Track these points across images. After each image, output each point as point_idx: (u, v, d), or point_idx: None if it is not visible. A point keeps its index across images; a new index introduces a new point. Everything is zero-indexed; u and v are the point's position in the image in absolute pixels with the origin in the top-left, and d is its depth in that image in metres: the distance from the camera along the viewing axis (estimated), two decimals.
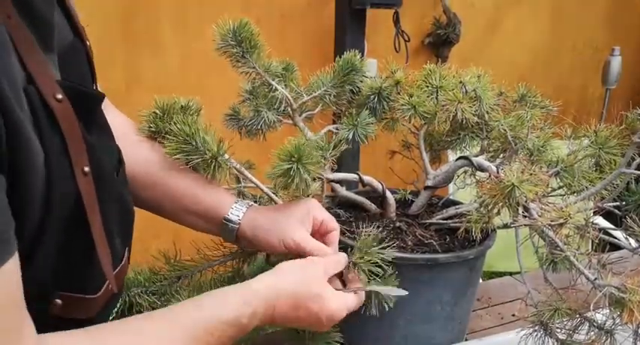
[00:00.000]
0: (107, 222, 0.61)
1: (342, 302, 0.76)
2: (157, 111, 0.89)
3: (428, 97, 0.93)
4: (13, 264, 0.48)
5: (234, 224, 0.83)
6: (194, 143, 0.83)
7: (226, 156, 0.85)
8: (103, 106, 0.69)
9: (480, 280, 1.12)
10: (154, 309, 0.90)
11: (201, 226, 0.87)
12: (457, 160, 0.97)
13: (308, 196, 0.88)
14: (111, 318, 0.72)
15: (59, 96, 0.54)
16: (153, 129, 0.88)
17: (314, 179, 0.87)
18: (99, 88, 0.74)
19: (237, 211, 0.83)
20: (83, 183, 0.56)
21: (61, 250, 0.56)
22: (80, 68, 0.68)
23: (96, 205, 0.59)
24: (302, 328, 0.81)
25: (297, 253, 0.80)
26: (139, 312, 0.89)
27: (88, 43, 0.70)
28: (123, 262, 0.71)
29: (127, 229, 0.72)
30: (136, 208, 0.77)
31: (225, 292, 0.70)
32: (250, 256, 0.94)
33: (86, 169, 0.57)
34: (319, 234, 0.84)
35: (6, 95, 0.47)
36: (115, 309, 0.74)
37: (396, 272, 0.85)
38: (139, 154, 0.85)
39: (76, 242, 0.58)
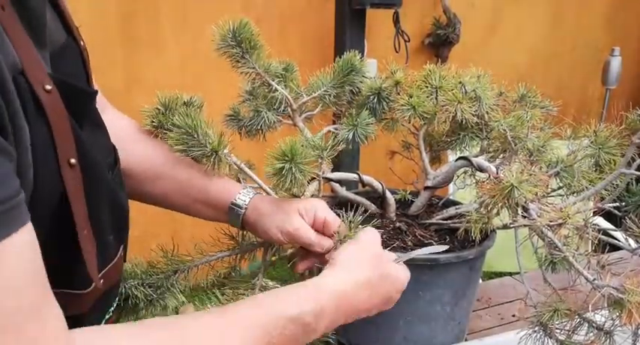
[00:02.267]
0: (97, 217, 0.61)
1: (403, 270, 0.76)
2: (160, 107, 0.90)
3: (428, 97, 0.93)
4: (27, 235, 0.45)
5: (240, 208, 0.84)
6: (196, 136, 0.84)
7: (227, 150, 0.86)
8: (102, 109, 0.69)
9: (480, 280, 1.12)
10: (150, 301, 0.91)
11: (208, 215, 0.88)
12: (457, 160, 0.97)
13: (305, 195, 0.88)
14: (109, 312, 0.72)
15: (48, 87, 0.53)
16: (155, 124, 0.89)
17: (311, 179, 0.88)
18: (95, 88, 0.73)
19: (244, 197, 0.85)
20: (68, 174, 0.55)
21: (46, 244, 0.55)
22: (74, 67, 0.67)
23: (82, 198, 0.57)
24: (370, 314, 0.74)
25: (293, 243, 0.81)
26: (135, 304, 0.90)
27: (82, 43, 0.70)
28: (117, 259, 0.70)
29: (120, 225, 0.71)
30: (136, 209, 0.77)
31: (284, 289, 0.67)
32: (248, 252, 0.94)
33: (72, 160, 0.56)
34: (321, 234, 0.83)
35: (6, 77, 0.46)
36: (115, 303, 0.74)
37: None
38: (143, 150, 0.86)
39: (62, 237, 0.57)
